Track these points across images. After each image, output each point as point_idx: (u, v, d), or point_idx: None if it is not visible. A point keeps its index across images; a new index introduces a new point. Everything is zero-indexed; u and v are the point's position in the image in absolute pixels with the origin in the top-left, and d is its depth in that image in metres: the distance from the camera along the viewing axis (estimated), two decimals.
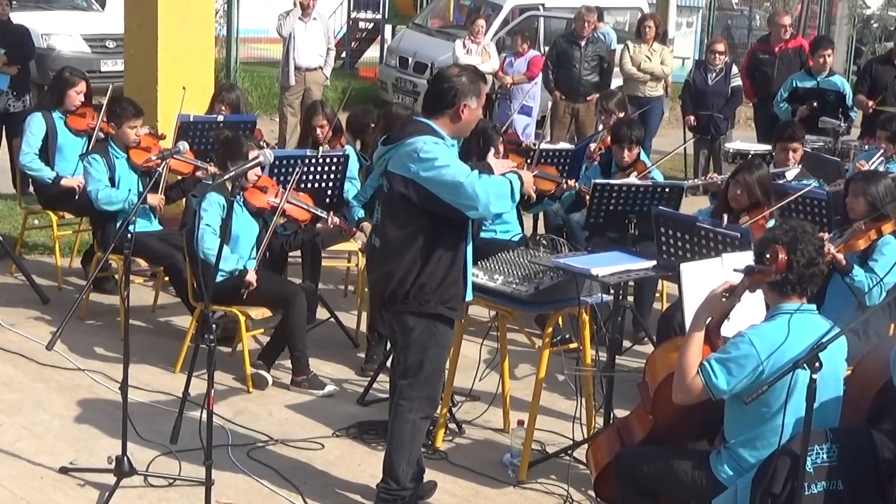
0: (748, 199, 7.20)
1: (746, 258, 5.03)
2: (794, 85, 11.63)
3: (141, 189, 7.95)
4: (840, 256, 6.51)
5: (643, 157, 8.82)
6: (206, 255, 6.95)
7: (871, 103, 11.36)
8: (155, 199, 8.16)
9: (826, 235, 6.78)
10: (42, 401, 6.92)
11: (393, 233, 5.46)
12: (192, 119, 9.03)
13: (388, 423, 5.76)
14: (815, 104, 11.22)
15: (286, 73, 13.41)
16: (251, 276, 7.17)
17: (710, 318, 4.88)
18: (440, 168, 5.27)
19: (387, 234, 5.49)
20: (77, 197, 8.67)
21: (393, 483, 5.68)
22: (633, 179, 8.28)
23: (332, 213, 7.81)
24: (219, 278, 6.95)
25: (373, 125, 8.78)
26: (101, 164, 8.05)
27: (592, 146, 9.53)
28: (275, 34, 14.25)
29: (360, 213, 8.32)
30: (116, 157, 8.14)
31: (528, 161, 8.55)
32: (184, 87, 9.08)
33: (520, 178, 5.46)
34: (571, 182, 8.56)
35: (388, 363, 7.21)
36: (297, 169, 7.83)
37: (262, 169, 7.55)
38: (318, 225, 7.79)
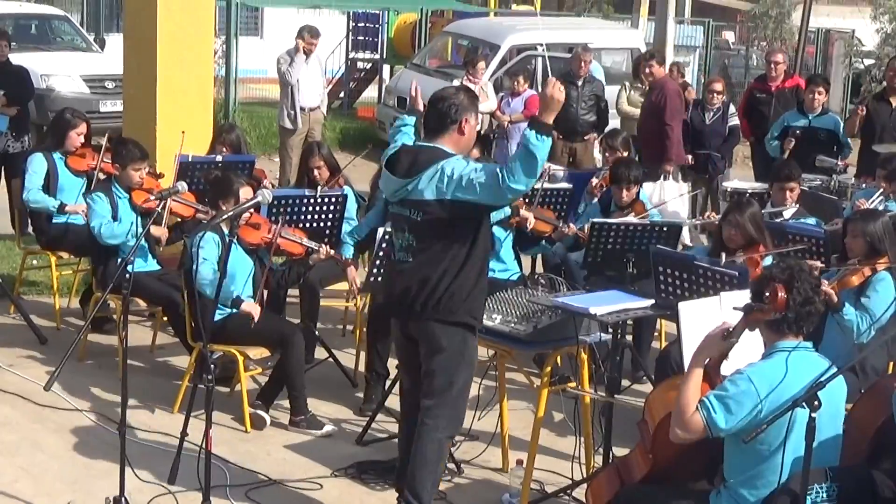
0: (742, 239, 7.28)
1: (745, 297, 5.03)
2: (786, 124, 11.63)
3: (141, 228, 7.97)
4: (832, 293, 6.50)
5: (642, 197, 8.82)
6: (202, 286, 7.00)
7: (860, 108, 11.32)
8: (159, 231, 8.25)
9: (818, 264, 6.81)
10: (40, 441, 6.90)
11: (427, 248, 5.59)
12: (191, 159, 9.05)
13: (413, 444, 5.74)
14: (798, 132, 11.19)
15: (292, 117, 13.22)
16: (248, 307, 7.18)
17: (709, 358, 4.88)
18: (472, 177, 5.42)
19: (421, 250, 5.60)
20: (83, 223, 8.64)
21: (416, 503, 5.67)
22: (631, 219, 8.29)
23: (324, 244, 7.83)
24: (217, 316, 6.95)
25: None
26: (105, 202, 8.09)
27: (594, 181, 9.50)
28: (273, 74, 14.14)
29: (350, 251, 8.35)
30: (119, 197, 8.16)
31: (529, 202, 8.51)
32: (183, 132, 9.11)
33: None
34: (571, 227, 8.52)
35: (388, 400, 7.23)
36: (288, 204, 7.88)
37: (259, 209, 7.57)
38: (313, 257, 7.79)
